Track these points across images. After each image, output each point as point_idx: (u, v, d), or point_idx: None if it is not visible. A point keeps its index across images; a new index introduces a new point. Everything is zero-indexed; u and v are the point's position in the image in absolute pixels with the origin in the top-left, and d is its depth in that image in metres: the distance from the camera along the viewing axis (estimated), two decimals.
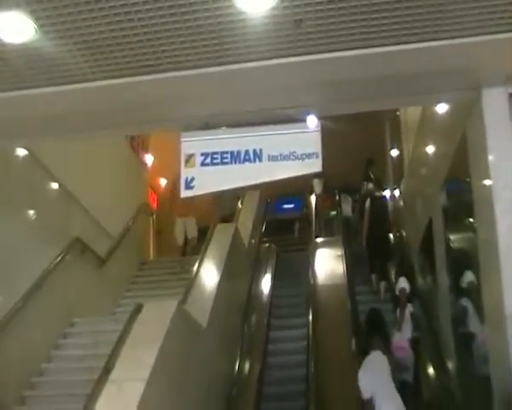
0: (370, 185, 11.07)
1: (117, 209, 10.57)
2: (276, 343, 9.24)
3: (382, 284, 10.02)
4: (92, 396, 4.73)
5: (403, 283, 8.19)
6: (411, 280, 8.44)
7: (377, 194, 10.90)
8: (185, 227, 11.20)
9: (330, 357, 7.79)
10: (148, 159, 12.90)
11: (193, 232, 11.20)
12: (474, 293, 6.59)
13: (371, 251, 10.63)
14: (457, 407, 6.86)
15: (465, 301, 6.97)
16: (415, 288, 8.61)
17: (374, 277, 10.38)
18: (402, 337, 7.58)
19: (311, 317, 8.73)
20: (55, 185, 8.48)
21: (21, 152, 7.52)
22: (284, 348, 9.10)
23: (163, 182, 15.33)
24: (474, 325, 6.65)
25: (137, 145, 12.16)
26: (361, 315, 8.41)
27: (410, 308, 7.99)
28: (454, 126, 6.35)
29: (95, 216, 9.55)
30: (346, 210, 13.42)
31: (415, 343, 7.64)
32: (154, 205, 13.50)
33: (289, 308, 10.11)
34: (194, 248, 10.64)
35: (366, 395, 6.29)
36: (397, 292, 8.26)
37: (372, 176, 11.46)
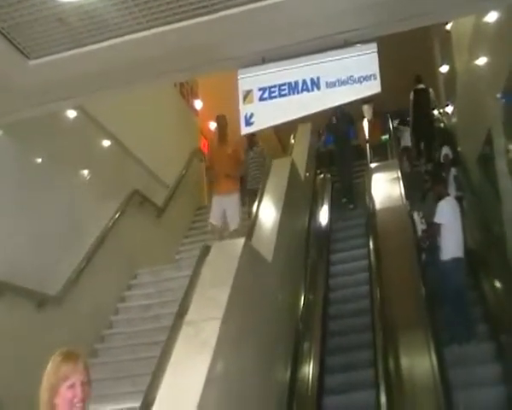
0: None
1: (170, 158, 10.71)
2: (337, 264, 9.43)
3: (429, 165, 11.47)
4: (169, 339, 4.77)
5: (445, 150, 10.03)
6: (454, 149, 10.13)
7: (418, 87, 12.37)
8: (225, 210, 8.61)
9: (395, 283, 7.77)
10: (198, 104, 12.97)
11: (236, 219, 8.49)
12: None
13: (417, 137, 12.39)
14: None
15: None
16: (457, 155, 10.17)
17: (421, 160, 12.13)
18: None
19: (371, 243, 8.69)
20: (109, 141, 8.65)
21: (76, 111, 7.67)
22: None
23: (213, 126, 15.37)
24: None
25: (187, 92, 12.20)
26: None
27: (453, 172, 9.41)
28: (510, 34, 6.17)
29: (150, 167, 9.73)
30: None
31: (458, 200, 8.63)
32: (205, 150, 13.59)
33: (349, 240, 10.14)
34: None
35: (439, 220, 7.61)
36: (441, 159, 9.97)
37: None
